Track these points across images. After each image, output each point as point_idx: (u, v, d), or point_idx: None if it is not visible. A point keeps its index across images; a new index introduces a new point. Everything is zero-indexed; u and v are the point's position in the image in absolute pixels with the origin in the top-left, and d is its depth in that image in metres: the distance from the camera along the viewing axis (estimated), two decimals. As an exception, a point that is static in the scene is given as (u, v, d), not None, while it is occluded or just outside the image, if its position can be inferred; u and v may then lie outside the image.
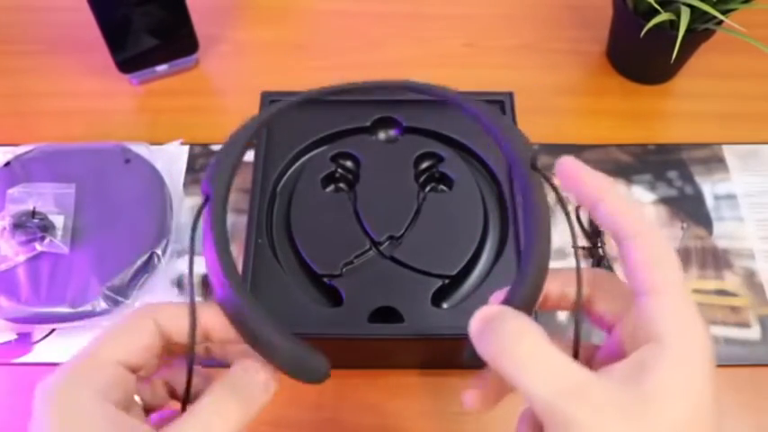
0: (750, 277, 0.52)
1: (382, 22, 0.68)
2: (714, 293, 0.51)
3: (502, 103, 0.52)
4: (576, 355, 0.26)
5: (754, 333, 0.49)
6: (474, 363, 0.26)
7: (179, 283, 0.52)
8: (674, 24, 0.55)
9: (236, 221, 0.54)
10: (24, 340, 0.49)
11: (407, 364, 0.48)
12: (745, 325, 0.50)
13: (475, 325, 0.25)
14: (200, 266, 0.52)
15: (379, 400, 0.47)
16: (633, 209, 0.25)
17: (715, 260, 0.53)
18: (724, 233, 0.54)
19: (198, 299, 0.27)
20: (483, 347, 0.24)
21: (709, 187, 0.56)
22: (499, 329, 0.24)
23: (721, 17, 0.51)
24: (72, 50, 0.65)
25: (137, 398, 0.27)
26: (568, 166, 0.27)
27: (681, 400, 0.22)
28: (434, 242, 0.45)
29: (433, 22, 0.68)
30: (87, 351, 0.26)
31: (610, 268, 0.52)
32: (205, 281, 0.52)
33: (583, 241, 0.53)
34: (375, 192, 0.48)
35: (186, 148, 0.59)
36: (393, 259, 0.45)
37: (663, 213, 0.55)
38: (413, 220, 0.46)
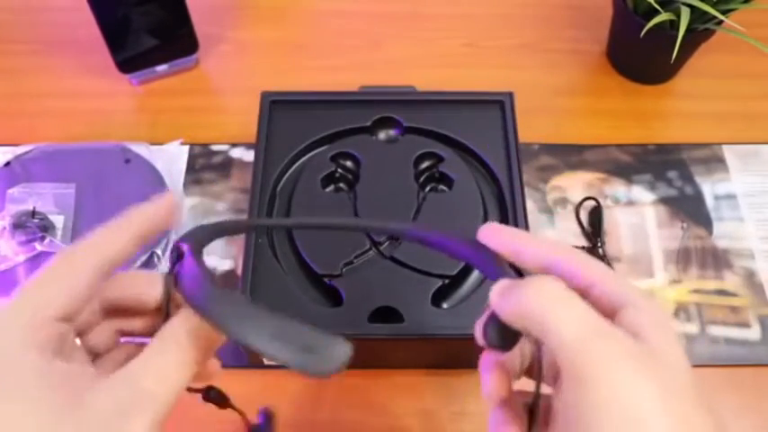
0: (750, 277, 0.52)
1: (382, 22, 0.68)
2: (714, 293, 0.51)
3: (502, 103, 0.52)
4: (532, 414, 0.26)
5: (754, 333, 0.49)
6: (497, 340, 0.26)
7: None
8: (674, 24, 0.55)
9: (236, 221, 0.54)
10: (24, 340, 0.49)
11: (407, 364, 0.48)
12: (745, 325, 0.50)
13: (495, 294, 0.26)
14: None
15: (379, 400, 0.47)
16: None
17: (715, 260, 0.53)
18: (724, 233, 0.54)
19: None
20: (506, 308, 0.25)
21: (709, 187, 0.56)
22: (520, 286, 0.25)
23: (721, 17, 0.52)
24: (72, 50, 0.65)
25: (78, 341, 0.25)
26: (490, 231, 0.28)
27: (675, 346, 0.24)
28: (434, 242, 0.45)
29: (433, 22, 0.68)
30: (13, 301, 0.23)
31: (610, 266, 0.52)
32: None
33: (583, 241, 0.53)
34: (375, 192, 0.48)
35: (186, 148, 0.58)
36: (393, 259, 0.45)
37: (663, 213, 0.55)
38: (413, 220, 0.46)
